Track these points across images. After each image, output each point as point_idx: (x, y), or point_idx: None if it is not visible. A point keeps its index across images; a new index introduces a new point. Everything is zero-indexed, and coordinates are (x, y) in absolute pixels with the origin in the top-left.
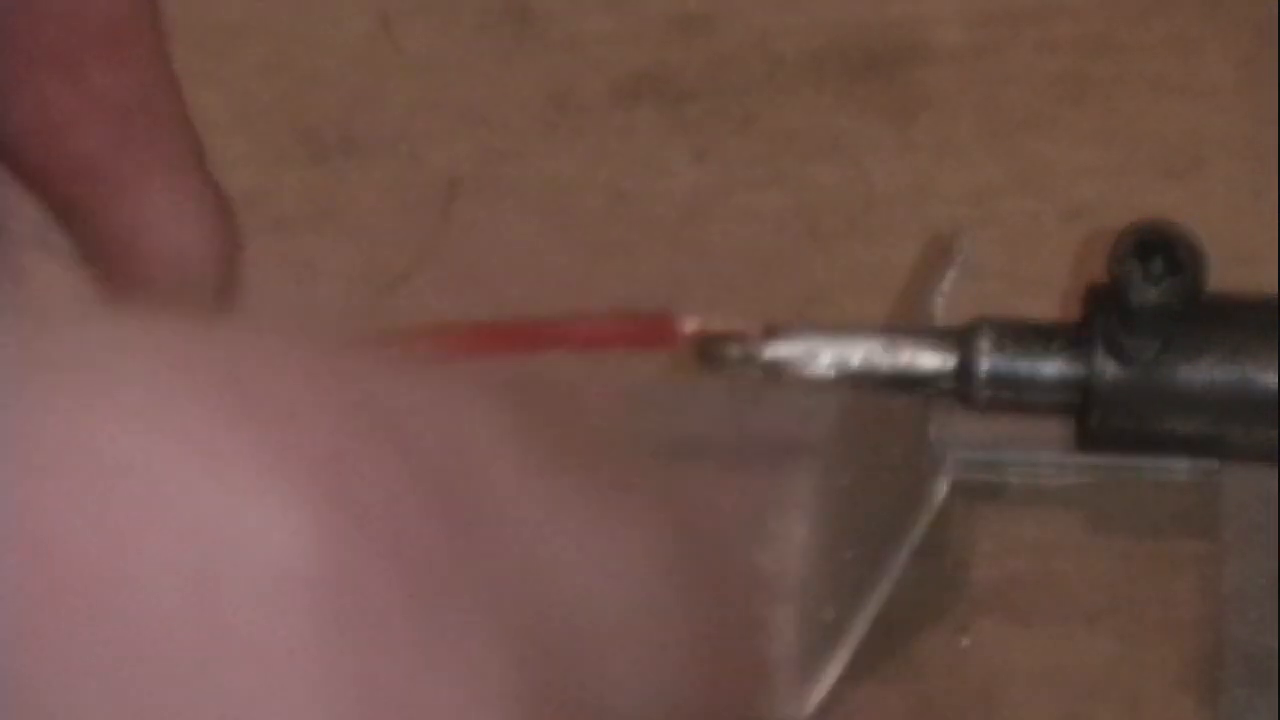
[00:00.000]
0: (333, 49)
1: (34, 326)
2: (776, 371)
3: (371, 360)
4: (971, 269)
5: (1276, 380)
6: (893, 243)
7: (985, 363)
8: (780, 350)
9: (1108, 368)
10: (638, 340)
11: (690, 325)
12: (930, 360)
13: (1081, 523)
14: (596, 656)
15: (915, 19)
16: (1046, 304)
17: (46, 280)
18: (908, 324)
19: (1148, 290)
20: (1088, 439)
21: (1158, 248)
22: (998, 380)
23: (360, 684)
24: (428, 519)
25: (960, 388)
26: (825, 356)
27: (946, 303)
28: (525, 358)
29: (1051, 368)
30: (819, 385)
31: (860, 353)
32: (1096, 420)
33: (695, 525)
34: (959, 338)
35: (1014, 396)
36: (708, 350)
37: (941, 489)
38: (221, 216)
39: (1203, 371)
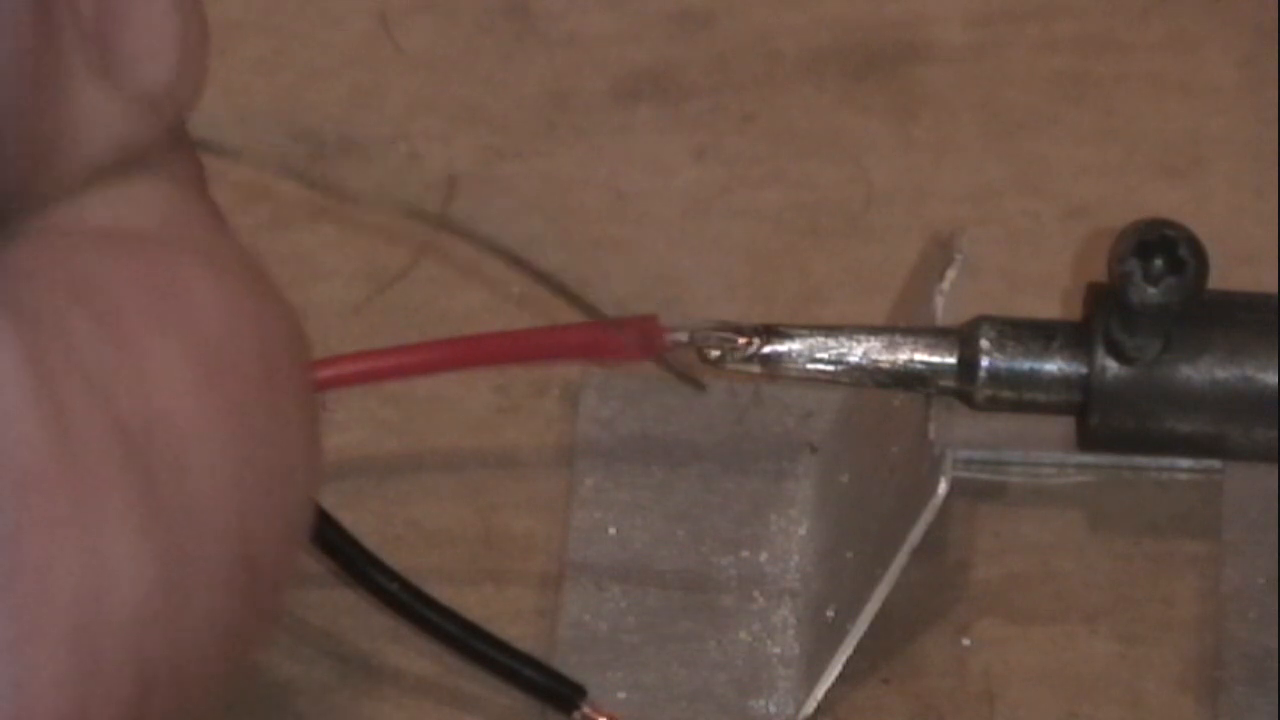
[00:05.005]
0: (332, 47)
1: None
2: (776, 370)
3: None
4: (971, 268)
5: (1276, 380)
6: (893, 242)
7: (985, 361)
8: (780, 349)
9: (1108, 367)
10: (626, 349)
11: (678, 335)
12: (930, 359)
13: (1081, 523)
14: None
15: (915, 18)
16: (1047, 303)
17: None
18: (908, 323)
19: (1148, 290)
20: (1088, 439)
21: (1158, 247)
22: (998, 379)
23: None
24: None
25: (960, 387)
26: (825, 355)
27: (946, 302)
28: (513, 367)
29: (1052, 367)
30: (819, 384)
31: (860, 351)
32: (1097, 420)
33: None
34: (959, 336)
35: (1014, 395)
36: (708, 350)
37: (941, 489)
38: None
39: (1203, 371)
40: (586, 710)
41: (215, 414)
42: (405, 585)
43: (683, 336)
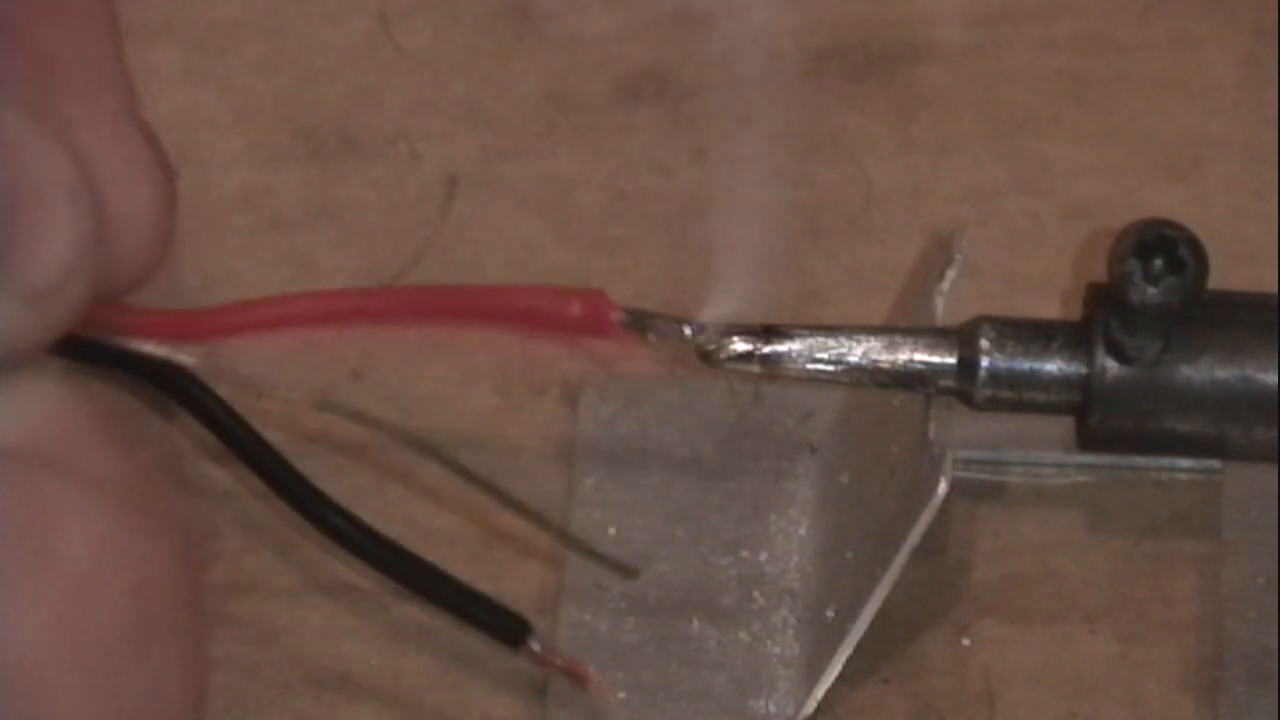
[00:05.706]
0: (331, 47)
1: None
2: (776, 370)
3: None
4: (971, 269)
5: (1276, 380)
6: (893, 242)
7: (985, 361)
8: (780, 349)
9: (1108, 367)
10: (572, 322)
11: (623, 315)
12: (930, 359)
13: (1081, 523)
14: None
15: (915, 18)
16: (1047, 303)
17: None
18: (908, 323)
19: (1148, 290)
20: (1088, 439)
21: (1158, 247)
22: (998, 379)
23: None
24: None
25: (960, 386)
26: (825, 355)
27: (946, 302)
28: (458, 325)
29: (1052, 367)
30: (819, 384)
31: (860, 351)
32: (1097, 420)
33: None
34: (959, 337)
35: (1014, 396)
36: (707, 349)
37: (941, 489)
38: (163, 168)
39: (1203, 371)
40: (533, 646)
41: (77, 653)
42: (343, 513)
43: (629, 318)
